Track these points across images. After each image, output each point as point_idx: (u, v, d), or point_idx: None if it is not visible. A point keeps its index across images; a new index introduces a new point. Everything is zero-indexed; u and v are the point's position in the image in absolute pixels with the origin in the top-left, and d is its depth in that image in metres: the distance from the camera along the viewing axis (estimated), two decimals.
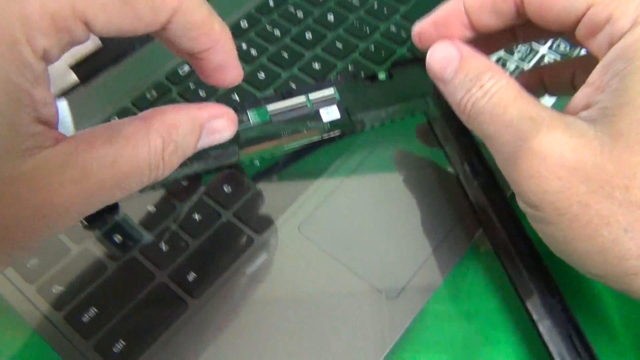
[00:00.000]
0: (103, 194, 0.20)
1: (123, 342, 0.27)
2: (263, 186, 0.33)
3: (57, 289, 0.29)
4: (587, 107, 0.23)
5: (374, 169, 0.33)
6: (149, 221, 0.31)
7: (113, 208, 0.31)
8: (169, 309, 0.28)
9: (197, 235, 0.31)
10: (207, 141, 0.24)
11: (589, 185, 0.21)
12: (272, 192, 0.32)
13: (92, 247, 0.30)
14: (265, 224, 0.31)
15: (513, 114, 0.23)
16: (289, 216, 0.32)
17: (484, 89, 0.24)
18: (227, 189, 0.32)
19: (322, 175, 0.33)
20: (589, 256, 0.22)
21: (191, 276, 0.29)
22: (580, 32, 0.24)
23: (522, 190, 0.23)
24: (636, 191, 0.21)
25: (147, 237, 0.31)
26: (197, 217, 0.31)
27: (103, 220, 0.31)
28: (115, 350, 0.27)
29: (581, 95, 0.23)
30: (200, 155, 0.26)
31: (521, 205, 0.24)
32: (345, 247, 0.30)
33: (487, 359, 0.28)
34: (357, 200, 0.32)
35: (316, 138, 0.30)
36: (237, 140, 0.29)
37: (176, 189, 0.32)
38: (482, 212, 0.29)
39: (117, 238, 0.30)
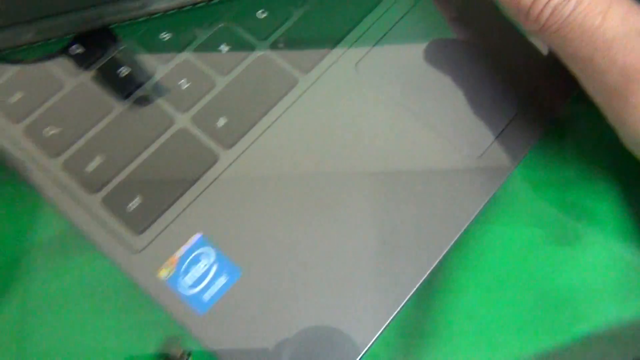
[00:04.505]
0: None
1: (139, 198, 0.22)
2: (310, 10, 0.25)
3: (51, 131, 0.22)
4: None
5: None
6: (164, 52, 0.24)
7: (109, 32, 0.24)
8: (194, 161, 0.22)
9: (224, 71, 0.24)
10: None
11: None
12: (320, 18, 0.25)
13: (90, 83, 0.23)
14: (312, 59, 0.24)
15: (616, 29, 0.18)
16: (342, 52, 0.25)
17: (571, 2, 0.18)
18: (261, 14, 0.25)
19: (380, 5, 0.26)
20: None
21: (220, 122, 0.23)
22: None
23: (632, 130, 0.18)
24: None
25: (162, 71, 0.24)
26: (224, 48, 0.24)
27: (103, 47, 0.24)
28: (130, 207, 0.21)
29: None
30: None
31: (629, 144, 0.19)
32: (414, 94, 0.24)
33: (586, 235, 0.23)
34: (423, 38, 0.25)
35: None
36: None
37: (196, 11, 0.25)
38: None
39: (123, 72, 0.24)
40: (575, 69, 0.20)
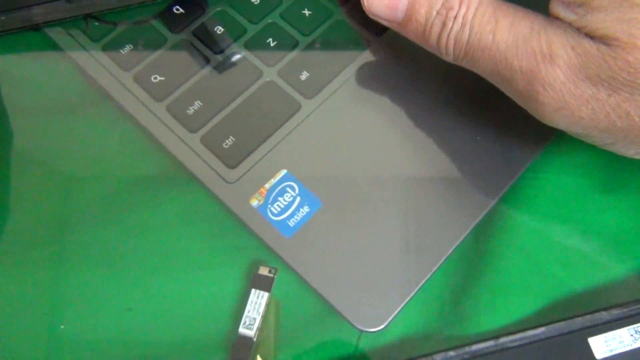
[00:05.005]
0: None
1: (232, 138, 0.25)
2: None
3: (157, 78, 0.26)
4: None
5: None
6: (253, 13, 0.27)
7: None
8: (280, 108, 0.25)
9: (306, 32, 0.27)
10: None
11: (619, 95, 0.19)
12: None
13: (190, 38, 0.27)
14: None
15: (506, 40, 0.20)
16: None
17: (460, 18, 0.21)
18: None
19: None
20: None
21: (303, 75, 0.26)
22: None
23: (558, 124, 0.21)
24: None
25: (252, 30, 0.27)
26: (306, 12, 0.27)
27: (200, 8, 0.27)
28: (224, 145, 0.25)
29: None
30: None
31: (573, 135, 0.22)
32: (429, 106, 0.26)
33: (628, 184, 0.25)
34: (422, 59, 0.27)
35: None
36: None
37: None
38: None
39: (219, 29, 0.27)
40: (494, 83, 0.22)
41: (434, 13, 0.22)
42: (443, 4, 0.21)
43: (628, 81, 0.19)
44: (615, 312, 0.22)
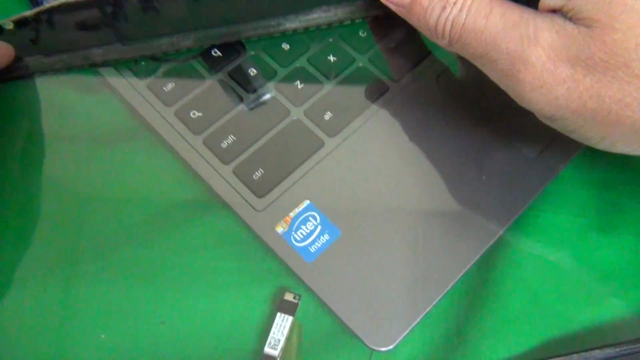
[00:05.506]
0: None
1: (261, 170, 0.27)
2: (400, 36, 0.31)
3: (195, 114, 0.29)
4: None
5: None
6: (283, 58, 0.30)
7: (240, 41, 0.30)
8: (305, 144, 0.28)
9: (331, 76, 0.30)
10: None
11: (593, 75, 0.21)
12: (410, 38, 0.31)
13: (226, 78, 0.30)
14: (401, 72, 0.30)
15: (497, 25, 0.22)
16: (426, 67, 0.30)
17: (459, 3, 0.23)
18: (362, 33, 0.31)
19: None
20: (630, 140, 0.22)
21: (327, 115, 0.29)
22: None
23: (534, 103, 0.23)
24: (636, 64, 0.20)
25: (282, 73, 0.30)
26: (331, 59, 0.30)
27: (236, 52, 0.30)
28: (254, 176, 0.27)
29: None
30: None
31: (542, 119, 0.24)
32: (483, 105, 0.29)
33: (624, 225, 0.27)
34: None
35: None
36: None
37: (312, 32, 0.31)
38: None
39: (252, 71, 0.30)
40: (479, 66, 0.24)
41: None
42: None
43: (603, 61, 0.20)
44: (608, 351, 0.23)
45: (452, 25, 0.24)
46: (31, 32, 0.28)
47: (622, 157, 0.29)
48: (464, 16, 0.23)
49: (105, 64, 0.29)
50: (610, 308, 0.26)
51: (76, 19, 0.28)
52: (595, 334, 0.25)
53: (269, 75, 0.30)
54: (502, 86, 0.24)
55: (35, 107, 0.29)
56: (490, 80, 0.24)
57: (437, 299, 0.25)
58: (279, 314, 0.25)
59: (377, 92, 0.29)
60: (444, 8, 0.24)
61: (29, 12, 0.28)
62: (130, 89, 0.29)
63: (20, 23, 0.28)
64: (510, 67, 0.22)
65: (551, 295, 0.26)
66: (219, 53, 0.30)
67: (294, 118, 0.29)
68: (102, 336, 0.25)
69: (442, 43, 0.25)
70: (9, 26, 0.29)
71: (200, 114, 0.29)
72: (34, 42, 0.29)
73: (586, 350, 0.23)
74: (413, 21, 0.26)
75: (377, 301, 0.25)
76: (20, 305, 0.25)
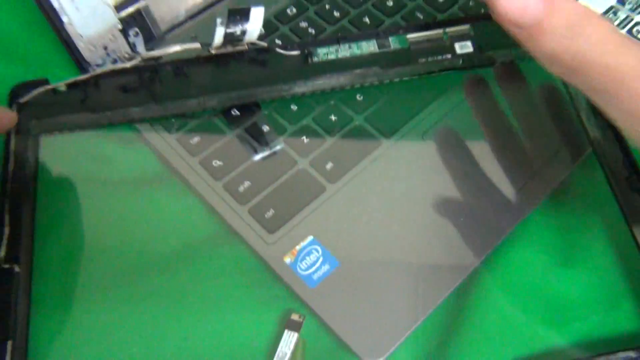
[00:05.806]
0: None
1: (273, 210, 0.32)
2: (392, 97, 0.37)
3: (217, 163, 0.34)
4: None
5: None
6: (292, 117, 0.36)
7: (255, 102, 0.36)
8: (309, 189, 0.33)
9: (332, 132, 0.35)
10: None
11: None
12: (399, 102, 0.36)
13: (243, 133, 0.35)
14: (392, 129, 0.35)
15: (628, 63, 0.21)
16: (415, 125, 0.36)
17: (588, 37, 0.22)
18: (359, 97, 0.37)
19: (446, 93, 0.37)
20: None
21: (329, 165, 0.34)
22: None
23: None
24: None
25: (290, 129, 0.35)
26: (333, 118, 0.36)
27: (252, 112, 0.36)
28: (266, 215, 0.32)
29: None
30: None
31: None
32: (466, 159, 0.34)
33: (582, 263, 0.32)
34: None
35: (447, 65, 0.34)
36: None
37: (318, 95, 0.36)
38: (594, 133, 0.33)
39: (265, 127, 0.35)
40: (588, 94, 0.23)
41: (565, 24, 0.22)
42: (580, 21, 0.22)
43: None
44: None
45: (574, 56, 0.22)
46: (81, 93, 0.34)
47: (582, 203, 0.34)
48: (590, 50, 0.22)
49: (141, 120, 0.35)
50: (570, 331, 0.30)
51: (119, 82, 0.34)
52: (557, 353, 0.29)
53: (279, 130, 0.35)
54: (624, 125, 0.23)
55: (84, 156, 0.35)
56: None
57: (421, 321, 0.29)
58: (286, 331, 0.29)
59: (371, 147, 0.35)
60: (571, 38, 0.22)
61: (80, 77, 0.34)
62: (162, 141, 0.35)
63: (72, 85, 0.34)
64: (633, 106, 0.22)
65: (520, 319, 0.30)
66: (237, 112, 0.36)
67: (300, 167, 0.34)
68: (134, 349, 0.29)
69: (555, 71, 0.24)
70: (62, 88, 0.34)
71: (221, 163, 0.34)
72: (82, 102, 0.34)
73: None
74: (528, 42, 0.24)
75: (369, 320, 0.29)
76: (67, 324, 0.30)
